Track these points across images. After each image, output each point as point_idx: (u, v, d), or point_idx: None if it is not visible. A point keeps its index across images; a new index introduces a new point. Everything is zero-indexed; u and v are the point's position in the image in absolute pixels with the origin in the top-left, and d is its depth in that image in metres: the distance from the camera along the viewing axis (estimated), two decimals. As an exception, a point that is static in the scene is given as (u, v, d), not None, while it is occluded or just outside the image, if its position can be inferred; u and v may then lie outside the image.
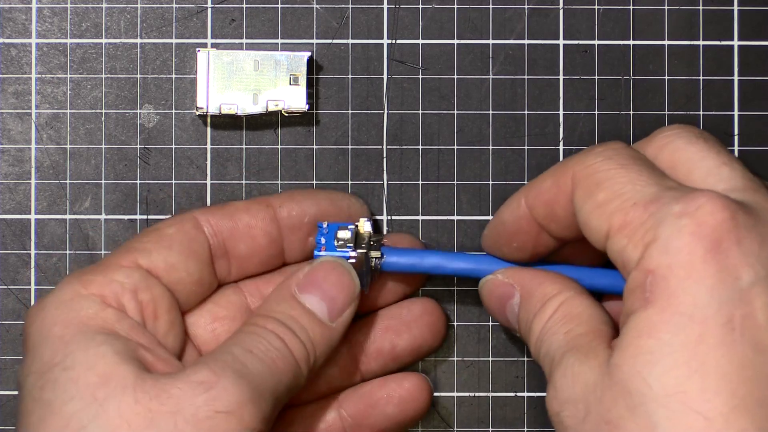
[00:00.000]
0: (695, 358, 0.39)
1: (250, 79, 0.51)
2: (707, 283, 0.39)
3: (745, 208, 0.41)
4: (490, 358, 0.52)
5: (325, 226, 0.48)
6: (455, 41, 0.52)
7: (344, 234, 0.48)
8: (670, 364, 0.39)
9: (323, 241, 0.48)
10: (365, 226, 0.49)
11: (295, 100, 0.51)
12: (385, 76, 0.52)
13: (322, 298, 0.47)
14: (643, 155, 0.44)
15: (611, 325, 0.44)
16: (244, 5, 0.52)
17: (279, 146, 0.52)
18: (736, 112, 0.52)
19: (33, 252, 0.51)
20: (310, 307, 0.46)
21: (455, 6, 0.52)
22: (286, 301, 0.47)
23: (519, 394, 0.52)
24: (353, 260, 0.48)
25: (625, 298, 0.41)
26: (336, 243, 0.48)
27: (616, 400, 0.40)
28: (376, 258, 0.48)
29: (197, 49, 0.51)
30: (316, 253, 0.48)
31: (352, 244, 0.48)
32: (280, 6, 0.52)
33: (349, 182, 0.52)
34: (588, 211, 0.42)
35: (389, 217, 0.52)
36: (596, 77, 0.52)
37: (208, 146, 0.52)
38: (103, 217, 0.51)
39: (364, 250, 0.48)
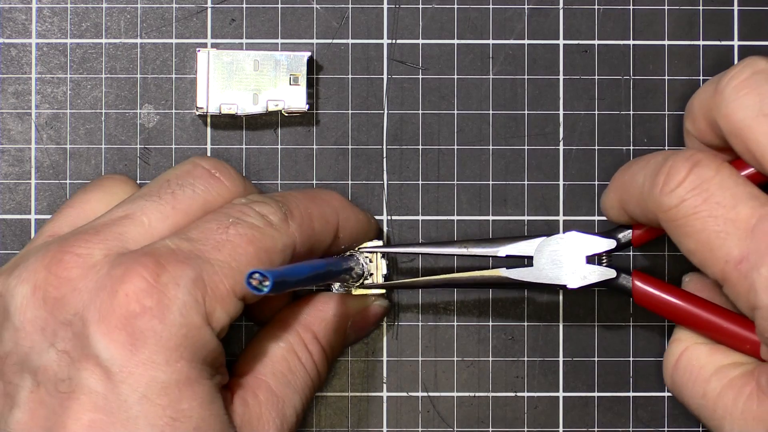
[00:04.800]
0: None
1: (250, 79, 0.51)
2: None
3: None
4: (490, 358, 0.52)
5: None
6: (455, 41, 0.52)
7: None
8: None
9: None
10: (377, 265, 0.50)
11: (295, 100, 0.51)
12: (385, 76, 0.52)
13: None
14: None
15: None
16: (244, 5, 0.52)
17: (279, 146, 0.52)
18: (736, 112, 0.52)
19: (33, 252, 0.51)
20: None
21: (455, 6, 0.52)
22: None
23: (519, 394, 0.52)
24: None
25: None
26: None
27: None
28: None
29: (197, 49, 0.51)
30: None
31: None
32: (280, 6, 0.52)
33: (349, 182, 0.52)
34: (685, 250, 0.43)
35: (389, 217, 0.52)
36: (596, 77, 0.52)
37: (208, 146, 0.52)
38: (103, 217, 0.51)
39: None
